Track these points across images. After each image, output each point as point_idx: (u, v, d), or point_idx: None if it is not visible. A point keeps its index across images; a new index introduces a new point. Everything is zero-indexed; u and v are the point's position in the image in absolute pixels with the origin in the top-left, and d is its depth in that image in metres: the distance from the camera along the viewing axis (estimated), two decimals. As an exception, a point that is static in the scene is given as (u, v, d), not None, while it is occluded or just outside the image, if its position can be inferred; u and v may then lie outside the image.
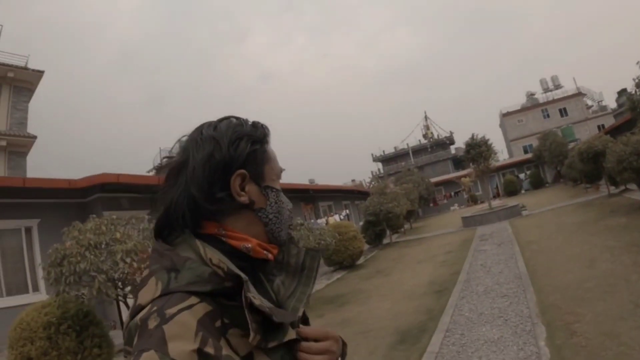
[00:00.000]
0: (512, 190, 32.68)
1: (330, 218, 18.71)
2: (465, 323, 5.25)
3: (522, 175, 36.14)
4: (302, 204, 18.90)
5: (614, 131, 21.15)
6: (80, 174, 9.19)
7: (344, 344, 0.88)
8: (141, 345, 0.61)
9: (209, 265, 0.70)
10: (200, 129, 0.81)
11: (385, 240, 17.65)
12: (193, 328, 0.62)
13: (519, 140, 45.88)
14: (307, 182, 32.56)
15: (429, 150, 53.41)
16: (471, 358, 4.13)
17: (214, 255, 0.71)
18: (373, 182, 25.99)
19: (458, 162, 47.25)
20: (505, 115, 48.14)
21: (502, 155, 44.47)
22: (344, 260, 12.62)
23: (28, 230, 8.81)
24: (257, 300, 0.69)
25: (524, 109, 47.01)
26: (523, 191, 33.47)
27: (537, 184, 33.78)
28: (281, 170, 0.89)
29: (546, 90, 48.53)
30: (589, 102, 47.03)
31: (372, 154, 57.42)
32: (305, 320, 0.91)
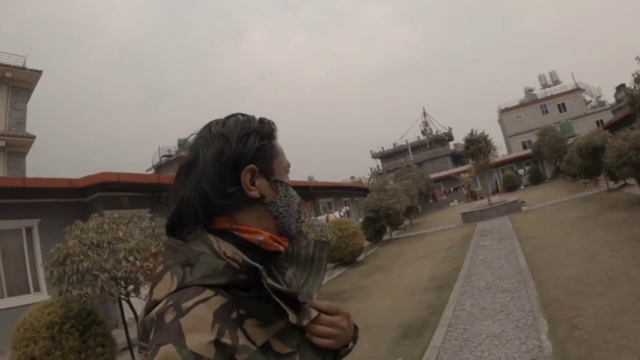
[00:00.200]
0: (511, 185, 32.73)
1: (330, 215, 18.72)
2: (467, 318, 5.27)
3: (521, 171, 36.19)
4: (302, 201, 18.87)
5: (613, 126, 21.19)
6: (79, 174, 9.19)
7: (356, 328, 0.89)
8: (158, 339, 0.62)
9: (223, 258, 0.71)
10: (208, 127, 0.82)
11: (386, 237, 17.67)
12: (209, 320, 0.63)
13: (517, 136, 45.90)
14: (306, 179, 32.59)
15: (428, 146, 53.42)
16: (474, 352, 4.15)
17: (228, 249, 0.72)
18: (372, 179, 25.96)
19: (457, 158, 47.31)
20: (503, 111, 48.15)
21: (501, 151, 44.52)
22: (345, 257, 12.64)
23: (29, 230, 8.81)
24: (279, 285, 0.72)
25: (522, 105, 47.02)
26: (522, 187, 33.52)
27: (536, 179, 33.83)
28: (289, 164, 0.90)
29: (544, 86, 48.55)
30: (588, 98, 47.08)
31: (371, 151, 57.46)
32: None
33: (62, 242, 5.02)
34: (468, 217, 17.38)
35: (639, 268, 5.44)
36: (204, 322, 0.63)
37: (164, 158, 37.21)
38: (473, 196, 33.82)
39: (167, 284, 0.70)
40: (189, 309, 0.64)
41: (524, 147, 42.27)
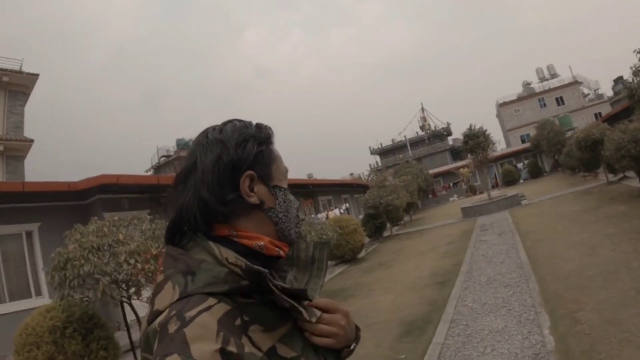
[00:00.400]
0: (510, 180, 32.78)
1: (330, 212, 18.71)
2: (469, 313, 5.28)
3: (520, 165, 36.23)
4: (301, 199, 18.90)
5: (611, 119, 21.18)
6: (79, 177, 9.19)
7: (358, 329, 0.89)
8: (163, 350, 0.61)
9: (225, 265, 0.71)
10: (205, 133, 0.82)
11: (386, 233, 17.69)
12: (214, 329, 0.63)
13: (516, 130, 45.90)
14: (305, 177, 32.59)
15: (427, 141, 53.42)
16: (477, 348, 4.16)
17: (230, 254, 0.72)
18: (371, 175, 25.97)
19: (456, 153, 47.31)
20: (502, 105, 48.13)
21: (499, 145, 44.69)
22: (345, 254, 12.64)
23: (29, 235, 8.80)
24: (286, 284, 0.73)
25: (520, 99, 47.00)
26: (521, 181, 33.57)
27: (536, 173, 33.88)
28: (287, 169, 0.90)
29: (542, 79, 48.50)
30: (586, 91, 47.07)
31: (369, 147, 57.43)
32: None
33: (63, 246, 5.01)
34: (468, 212, 17.39)
35: (639, 261, 5.45)
36: (208, 331, 0.62)
37: (162, 158, 37.22)
38: (472, 191, 33.86)
39: (169, 293, 0.69)
40: (192, 318, 0.63)
41: (523, 141, 42.29)
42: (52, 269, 4.80)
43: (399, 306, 6.57)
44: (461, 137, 20.00)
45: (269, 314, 0.71)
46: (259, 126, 0.86)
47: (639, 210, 8.77)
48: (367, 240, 15.51)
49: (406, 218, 22.75)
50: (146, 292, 5.17)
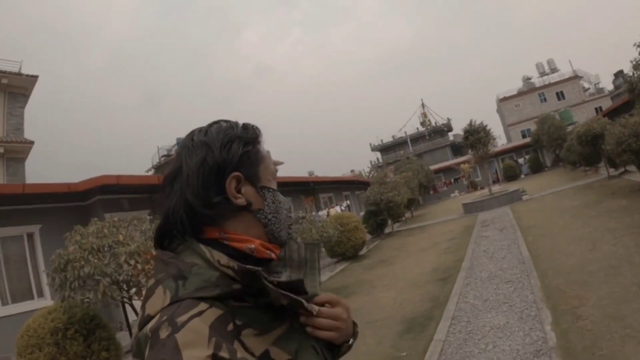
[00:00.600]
0: (511, 175, 32.76)
1: (331, 210, 18.71)
2: (471, 310, 5.27)
3: (521, 160, 36.20)
4: (302, 197, 18.91)
5: (612, 113, 21.12)
6: (79, 178, 9.18)
7: (355, 324, 0.88)
8: (155, 357, 0.60)
9: (217, 267, 0.70)
10: (191, 136, 0.81)
11: (387, 230, 17.69)
12: (205, 334, 0.62)
13: (516, 125, 45.83)
14: (306, 174, 32.57)
15: (427, 137, 53.34)
16: (478, 345, 4.15)
17: (222, 257, 0.71)
18: (372, 172, 25.95)
19: (457, 149, 47.28)
20: (502, 100, 48.05)
21: (500, 140, 44.54)
22: (347, 251, 12.64)
23: (30, 236, 8.81)
24: (283, 277, 0.73)
25: (520, 94, 46.91)
26: (522, 176, 33.55)
27: (536, 168, 33.87)
28: (276, 169, 0.89)
29: (542, 74, 48.37)
30: (586, 85, 46.94)
31: (370, 144, 57.38)
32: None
33: (63, 248, 5.02)
34: (469, 208, 17.38)
35: (641, 255, 5.43)
36: (200, 336, 0.61)
37: (163, 158, 37.19)
38: (474, 186, 33.83)
39: (160, 298, 0.68)
40: (184, 324, 0.62)
41: (524, 136, 42.25)
42: (53, 271, 4.81)
43: (400, 303, 6.56)
44: (462, 133, 19.98)
45: (263, 317, 0.71)
46: (245, 126, 0.85)
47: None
48: (368, 237, 15.51)
49: (407, 214, 22.74)
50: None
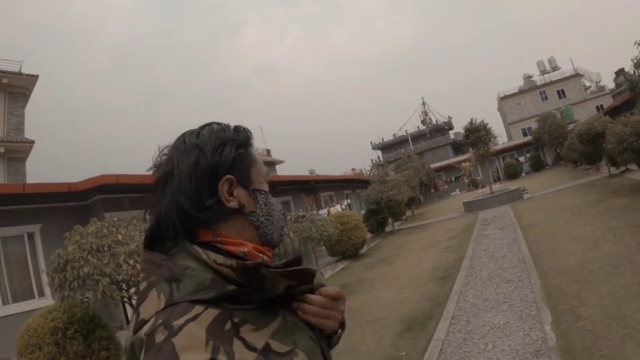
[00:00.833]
0: (512, 173, 32.72)
1: (331, 208, 18.71)
2: (471, 309, 5.27)
3: (522, 158, 36.16)
4: (303, 196, 18.90)
5: (613, 111, 21.09)
6: (80, 178, 9.18)
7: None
8: None
9: (214, 267, 0.70)
10: (182, 138, 0.81)
11: (388, 228, 17.68)
12: (203, 338, 0.62)
13: (517, 123, 45.80)
14: (307, 173, 32.57)
15: (428, 136, 53.35)
16: (477, 345, 4.14)
17: (219, 256, 0.71)
18: (373, 171, 25.90)
19: (457, 147, 47.28)
20: (503, 99, 48.02)
21: (501, 138, 44.60)
22: (347, 250, 12.61)
23: (30, 236, 8.81)
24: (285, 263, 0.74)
25: (521, 92, 46.88)
26: (523, 174, 33.51)
27: (538, 166, 33.83)
28: (267, 172, 0.89)
29: (543, 72, 48.34)
30: (587, 83, 46.90)
31: (371, 142, 57.47)
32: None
33: (63, 248, 5.02)
34: (470, 207, 17.37)
35: (642, 254, 5.41)
36: (197, 340, 0.61)
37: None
38: (474, 185, 33.81)
39: (154, 302, 0.68)
40: (180, 327, 0.62)
41: (524, 134, 42.22)
42: (52, 271, 4.81)
43: (400, 302, 6.56)
44: (463, 131, 19.94)
45: (259, 314, 0.71)
46: (237, 129, 0.85)
47: (641, 203, 8.73)
48: (369, 235, 15.50)
49: (408, 213, 22.73)
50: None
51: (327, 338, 0.82)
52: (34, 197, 8.66)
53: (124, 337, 5.99)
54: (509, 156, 36.61)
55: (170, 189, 0.76)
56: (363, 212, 18.32)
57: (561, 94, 44.43)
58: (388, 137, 56.75)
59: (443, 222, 16.19)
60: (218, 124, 0.84)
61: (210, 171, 0.76)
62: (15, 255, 8.66)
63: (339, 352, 4.99)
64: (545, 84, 46.06)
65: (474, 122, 18.89)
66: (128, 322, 6.05)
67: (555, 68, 47.80)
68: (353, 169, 50.90)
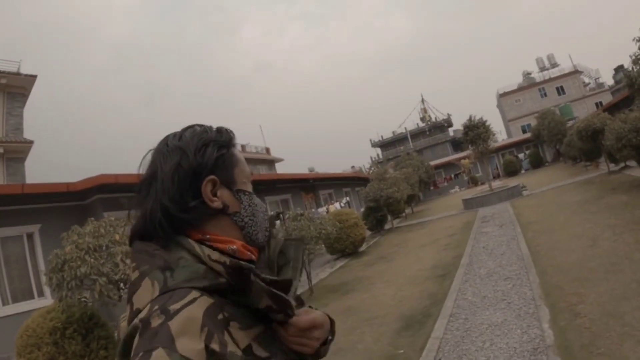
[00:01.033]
0: (512, 170, 32.70)
1: (330, 206, 18.71)
2: (469, 307, 5.26)
3: (521, 155, 36.14)
4: (302, 194, 18.89)
5: (612, 108, 21.08)
6: (80, 177, 9.16)
7: (332, 322, 0.88)
8: (146, 345, 0.59)
9: (207, 262, 0.71)
10: (165, 141, 0.82)
11: (387, 226, 17.68)
12: (199, 322, 0.62)
13: (517, 120, 45.79)
14: (307, 171, 32.56)
15: (427, 133, 53.32)
16: (475, 343, 4.14)
17: (213, 252, 0.72)
18: (372, 168, 25.92)
19: (457, 144, 47.22)
20: (502, 96, 47.98)
21: (500, 135, 44.59)
22: (346, 248, 12.64)
23: (30, 236, 8.81)
24: (273, 277, 0.74)
25: (521, 89, 46.84)
26: (523, 171, 33.51)
27: (537, 163, 33.81)
28: (251, 172, 0.89)
29: (542, 69, 48.32)
30: (586, 80, 46.87)
31: (370, 140, 57.41)
32: (301, 303, 0.93)
33: (61, 248, 5.02)
34: (469, 204, 17.36)
35: (640, 252, 5.40)
36: (194, 325, 0.61)
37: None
38: (474, 182, 33.83)
39: (148, 290, 0.68)
40: (177, 311, 0.62)
41: (524, 131, 42.20)
42: (50, 271, 4.81)
43: (399, 300, 6.56)
44: (462, 128, 19.91)
45: (245, 314, 0.71)
46: (219, 130, 0.85)
47: (640, 199, 8.72)
48: (368, 233, 15.52)
49: (408, 210, 22.73)
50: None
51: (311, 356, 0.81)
52: (32, 198, 8.65)
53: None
54: (508, 153, 36.59)
55: (154, 191, 0.76)
56: (362, 209, 18.32)
57: (560, 90, 44.39)
58: (387, 135, 56.75)
59: (442, 220, 16.19)
60: (201, 125, 0.85)
61: (192, 172, 0.76)
62: (14, 255, 8.65)
63: (336, 351, 5.00)
64: (545, 81, 46.02)
65: (472, 119, 18.87)
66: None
67: (554, 65, 47.76)
68: (353, 167, 50.88)
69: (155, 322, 0.61)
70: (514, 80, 71.36)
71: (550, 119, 28.63)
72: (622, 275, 4.80)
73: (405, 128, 55.52)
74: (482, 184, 29.53)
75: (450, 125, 54.38)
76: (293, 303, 0.75)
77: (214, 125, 0.86)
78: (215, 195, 0.78)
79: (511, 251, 7.65)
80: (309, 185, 19.55)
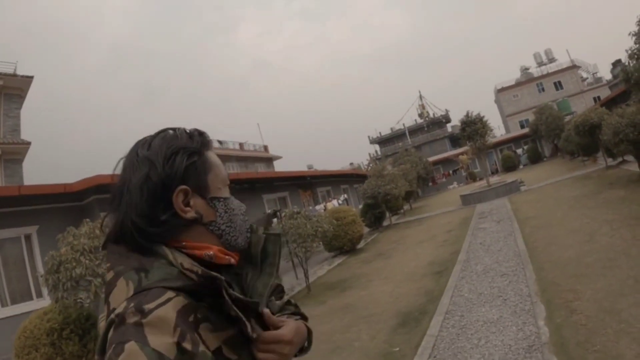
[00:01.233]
0: (510, 165, 32.77)
1: (328, 204, 18.70)
2: (465, 304, 5.27)
3: (519, 151, 36.17)
4: (300, 191, 18.87)
5: (610, 103, 21.08)
6: (79, 177, 9.14)
7: (310, 332, 0.89)
8: (120, 337, 0.60)
9: (180, 269, 0.70)
10: (135, 149, 0.79)
11: (385, 223, 17.69)
12: (172, 322, 0.63)
13: (515, 115, 45.77)
14: (305, 168, 32.55)
15: (426, 129, 53.29)
16: (471, 340, 4.14)
17: (185, 260, 0.71)
18: (371, 165, 25.88)
19: (455, 140, 47.21)
20: (500, 91, 47.95)
21: (498, 131, 44.61)
22: (344, 245, 12.67)
23: (27, 238, 8.80)
24: (239, 295, 0.73)
25: (518, 84, 46.80)
26: (521, 166, 33.56)
27: (535, 158, 33.86)
28: (227, 175, 0.86)
29: (540, 64, 48.26)
30: (584, 75, 46.83)
31: (369, 137, 57.35)
32: (281, 292, 0.96)
33: (56, 250, 5.02)
34: (467, 200, 17.38)
35: (638, 248, 5.39)
36: (166, 323, 0.62)
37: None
38: (472, 178, 33.86)
39: (123, 290, 0.68)
40: (151, 310, 0.62)
41: (522, 127, 42.22)
42: (46, 272, 4.82)
43: (396, 297, 6.57)
44: (460, 124, 19.92)
45: (218, 316, 0.71)
46: (191, 135, 0.82)
47: (637, 195, 8.72)
48: (366, 230, 15.53)
49: (406, 207, 22.75)
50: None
51: None
52: (30, 199, 8.63)
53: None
54: (506, 148, 36.63)
55: (124, 205, 0.74)
56: (360, 206, 18.33)
57: (558, 85, 44.38)
58: (385, 131, 56.73)
59: (440, 216, 16.21)
60: (172, 129, 0.82)
61: (162, 184, 0.74)
62: (12, 257, 8.64)
63: (333, 349, 5.02)
64: (542, 76, 45.99)
65: (470, 115, 18.87)
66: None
67: (552, 60, 47.71)
68: (351, 164, 50.95)
69: (130, 319, 0.61)
70: (512, 75, 71.41)
71: (548, 114, 28.64)
72: (619, 271, 4.80)
73: (404, 124, 55.52)
74: (481, 179, 29.57)
75: (449, 121, 54.35)
76: (248, 327, 0.73)
77: (187, 128, 0.83)
78: (188, 205, 0.76)
79: (508, 247, 7.66)
80: (307, 183, 19.53)
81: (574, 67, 44.67)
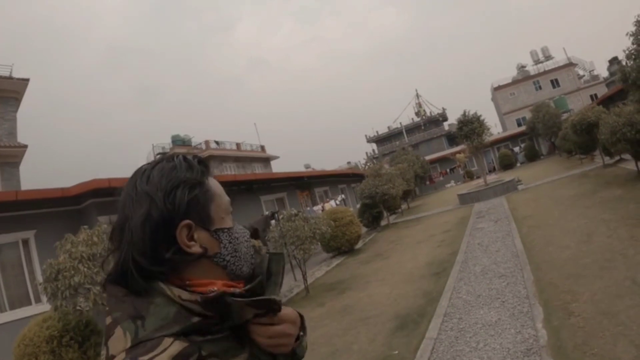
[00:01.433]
0: (507, 164, 32.82)
1: (326, 204, 18.71)
2: (463, 306, 5.28)
3: (516, 149, 36.26)
4: (297, 192, 18.88)
5: (607, 100, 21.13)
6: (78, 179, 9.15)
7: (302, 318, 0.88)
8: None
9: (179, 302, 0.69)
10: (134, 182, 0.77)
11: (383, 222, 17.69)
12: None
13: (512, 113, 45.84)
14: (303, 168, 32.52)
15: (423, 128, 53.29)
16: (469, 343, 4.15)
17: (183, 292, 0.70)
18: (368, 164, 25.91)
19: (452, 139, 47.23)
20: (496, 89, 47.99)
21: (495, 129, 44.61)
22: (342, 246, 12.69)
23: (25, 242, 8.77)
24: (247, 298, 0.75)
25: (515, 82, 46.86)
26: (518, 164, 33.63)
27: (532, 156, 33.92)
28: (229, 202, 0.85)
29: (537, 61, 48.30)
30: (581, 72, 46.90)
31: (365, 135, 57.36)
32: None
33: (54, 257, 5.02)
34: (464, 199, 17.40)
35: (635, 248, 5.41)
36: None
37: (158, 156, 37.12)
38: (469, 176, 33.91)
39: (121, 340, 0.67)
40: None
41: (519, 125, 42.27)
42: (45, 280, 4.81)
43: (394, 299, 6.58)
44: (456, 123, 19.95)
45: (227, 345, 0.71)
46: (190, 165, 0.80)
47: (635, 194, 8.75)
48: (364, 230, 15.53)
49: (403, 206, 22.78)
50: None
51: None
52: (27, 203, 8.61)
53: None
54: (503, 146, 36.68)
55: (125, 243, 0.73)
56: (358, 206, 18.34)
57: (555, 83, 44.47)
58: (383, 130, 56.71)
59: (438, 215, 16.24)
60: (170, 160, 0.80)
61: (164, 221, 0.72)
62: (10, 261, 8.62)
63: (332, 352, 5.03)
64: (539, 74, 46.07)
65: (467, 114, 18.89)
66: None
67: (548, 57, 47.76)
68: (348, 163, 50.96)
69: None
70: (509, 73, 71.51)
71: (545, 111, 28.72)
72: (616, 272, 4.82)
73: (401, 123, 55.53)
74: (478, 177, 29.60)
75: (446, 119, 54.38)
76: (275, 298, 0.76)
77: (185, 157, 0.81)
78: (192, 239, 0.75)
79: (506, 247, 7.68)
80: (304, 183, 19.53)
81: (570, 64, 44.76)
